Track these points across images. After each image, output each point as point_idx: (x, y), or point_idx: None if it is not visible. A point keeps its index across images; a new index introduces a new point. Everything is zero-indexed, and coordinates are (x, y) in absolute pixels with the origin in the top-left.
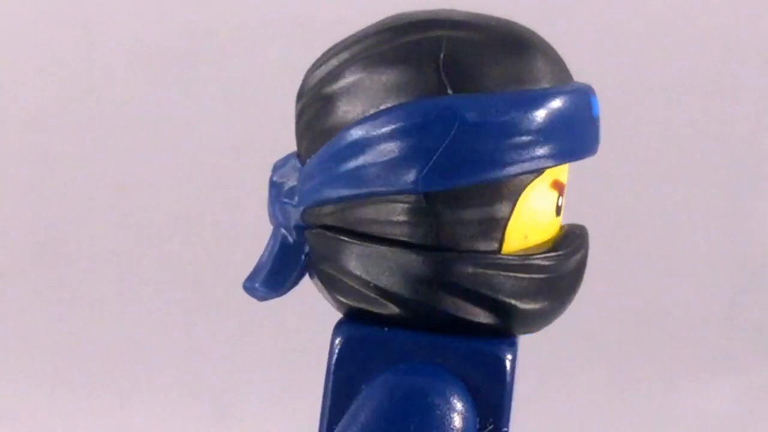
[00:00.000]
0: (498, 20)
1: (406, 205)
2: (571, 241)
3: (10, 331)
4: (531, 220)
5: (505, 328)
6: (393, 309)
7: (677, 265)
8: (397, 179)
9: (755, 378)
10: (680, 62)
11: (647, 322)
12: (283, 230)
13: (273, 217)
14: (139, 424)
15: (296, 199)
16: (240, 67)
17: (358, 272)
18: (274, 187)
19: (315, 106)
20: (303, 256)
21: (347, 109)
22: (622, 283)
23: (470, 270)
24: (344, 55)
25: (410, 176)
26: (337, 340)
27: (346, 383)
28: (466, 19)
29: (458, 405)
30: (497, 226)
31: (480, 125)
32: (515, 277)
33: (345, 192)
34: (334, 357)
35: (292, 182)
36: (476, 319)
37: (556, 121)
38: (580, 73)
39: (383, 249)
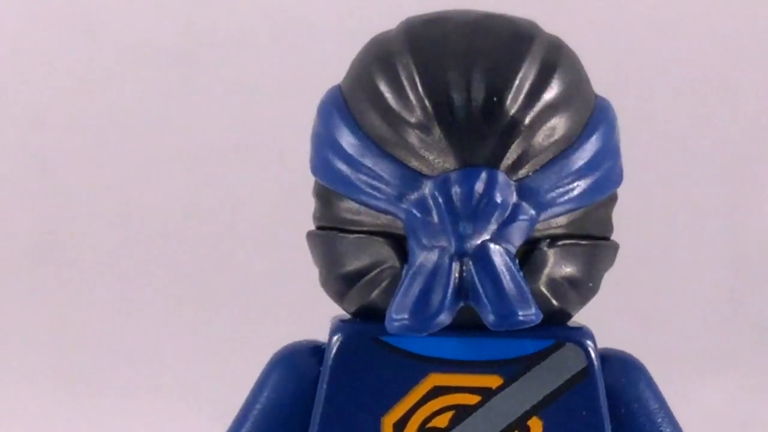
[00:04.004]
0: None
1: (610, 203)
2: None
3: (10, 331)
4: None
5: None
6: (583, 305)
7: (677, 264)
8: (618, 176)
9: (756, 377)
10: (680, 62)
11: (647, 322)
12: (495, 251)
13: (474, 238)
14: (140, 424)
15: (531, 213)
16: (241, 67)
17: (588, 273)
18: (493, 207)
19: (542, 118)
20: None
21: (573, 117)
22: (622, 283)
23: None
24: (532, 62)
25: (619, 171)
26: (586, 345)
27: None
28: None
29: None
30: None
31: None
32: None
33: (594, 197)
34: (594, 363)
35: (511, 198)
36: None
37: None
38: None
39: (603, 246)
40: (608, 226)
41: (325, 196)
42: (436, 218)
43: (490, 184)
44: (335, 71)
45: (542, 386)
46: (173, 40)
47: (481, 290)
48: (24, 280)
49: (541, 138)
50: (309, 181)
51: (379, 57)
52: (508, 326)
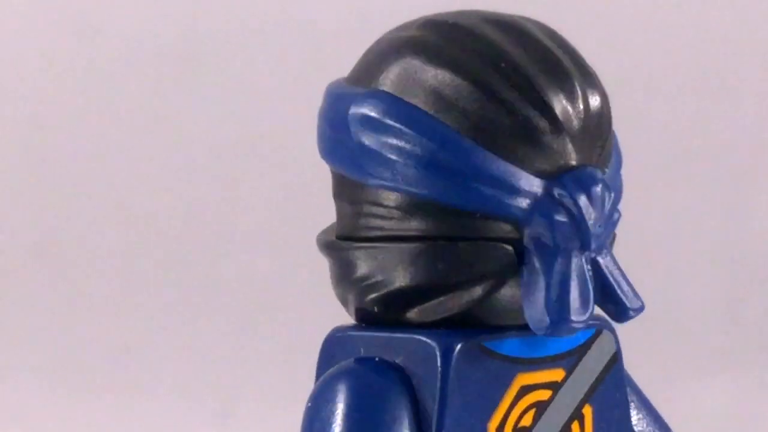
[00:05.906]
0: None
1: None
2: None
3: (10, 331)
4: None
5: None
6: None
7: (678, 264)
8: None
9: (756, 377)
10: (680, 62)
11: (647, 322)
12: (610, 249)
13: (603, 237)
14: (140, 424)
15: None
16: (242, 68)
17: None
18: (615, 207)
19: (609, 121)
20: None
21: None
22: None
23: None
24: (585, 62)
25: None
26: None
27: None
28: None
29: None
30: None
31: None
32: None
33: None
34: (620, 346)
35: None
36: None
37: None
38: None
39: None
40: None
41: (396, 203)
42: (574, 218)
43: (607, 185)
44: (336, 71)
45: (591, 374)
46: (174, 40)
47: (617, 287)
48: (24, 280)
49: (611, 139)
50: (309, 181)
51: (465, 59)
52: (632, 317)
